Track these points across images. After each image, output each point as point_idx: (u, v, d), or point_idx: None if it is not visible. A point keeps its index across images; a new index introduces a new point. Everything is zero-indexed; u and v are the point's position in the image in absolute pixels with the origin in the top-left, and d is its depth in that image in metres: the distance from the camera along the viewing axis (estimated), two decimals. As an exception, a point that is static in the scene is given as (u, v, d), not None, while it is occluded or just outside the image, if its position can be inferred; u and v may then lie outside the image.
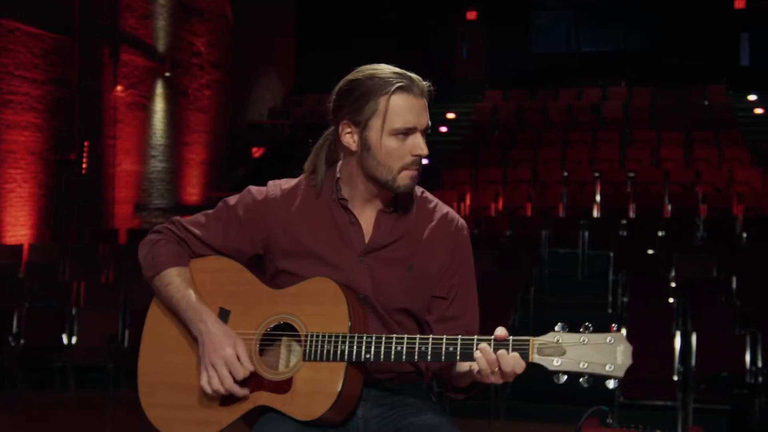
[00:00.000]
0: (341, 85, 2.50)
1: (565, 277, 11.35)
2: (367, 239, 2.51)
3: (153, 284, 2.58)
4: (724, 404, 7.01)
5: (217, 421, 2.45)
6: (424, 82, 2.46)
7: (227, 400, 2.45)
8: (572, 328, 2.25)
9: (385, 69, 2.46)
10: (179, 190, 16.81)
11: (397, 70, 2.46)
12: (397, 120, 2.41)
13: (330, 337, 2.37)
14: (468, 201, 13.55)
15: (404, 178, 2.45)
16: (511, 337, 2.25)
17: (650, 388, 7.04)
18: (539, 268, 10.96)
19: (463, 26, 21.40)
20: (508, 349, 2.23)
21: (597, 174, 13.84)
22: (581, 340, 2.22)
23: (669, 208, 12.58)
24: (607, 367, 2.20)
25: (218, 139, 18.14)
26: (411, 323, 2.54)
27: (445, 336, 2.32)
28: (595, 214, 12.83)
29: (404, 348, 2.33)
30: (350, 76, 2.49)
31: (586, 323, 2.24)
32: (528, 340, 2.23)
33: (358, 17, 20.51)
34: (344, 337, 2.36)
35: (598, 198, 13.18)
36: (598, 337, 2.21)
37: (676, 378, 7.15)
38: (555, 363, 2.21)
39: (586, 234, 11.56)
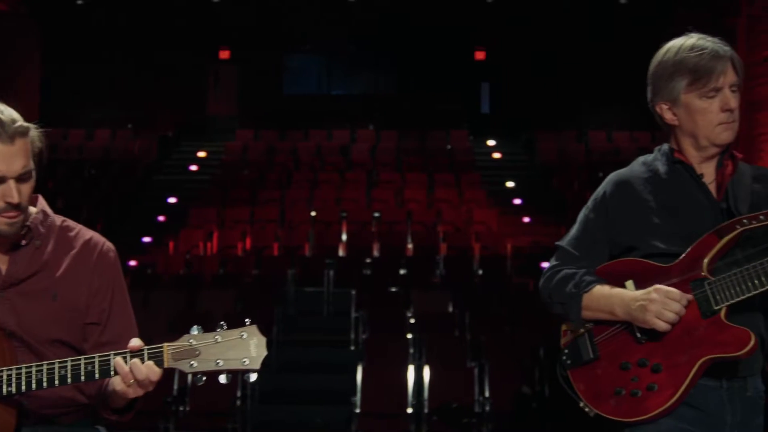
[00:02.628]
0: None
1: (310, 315, 11.43)
2: (3, 274, 2.44)
3: None
4: (455, 434, 7.25)
5: None
6: (22, 124, 2.36)
7: None
8: (209, 329, 2.29)
9: None
10: None
11: None
12: None
13: None
14: (215, 240, 13.40)
15: (1, 225, 2.38)
16: (145, 347, 2.27)
17: (385, 421, 7.18)
18: (284, 307, 10.99)
19: (216, 64, 21.28)
20: (142, 359, 2.26)
21: (344, 214, 14.08)
22: (215, 339, 2.25)
23: (411, 246, 12.99)
24: (243, 362, 2.24)
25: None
26: (70, 354, 2.45)
27: (83, 356, 2.30)
28: (341, 253, 13.03)
29: (44, 375, 2.28)
30: None
31: (221, 323, 2.28)
32: (162, 347, 2.26)
33: (108, 54, 19.92)
34: None
35: (344, 237, 13.40)
36: (231, 333, 2.25)
37: (410, 410, 7.33)
38: (191, 365, 2.24)
39: (332, 273, 11.70)
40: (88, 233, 2.57)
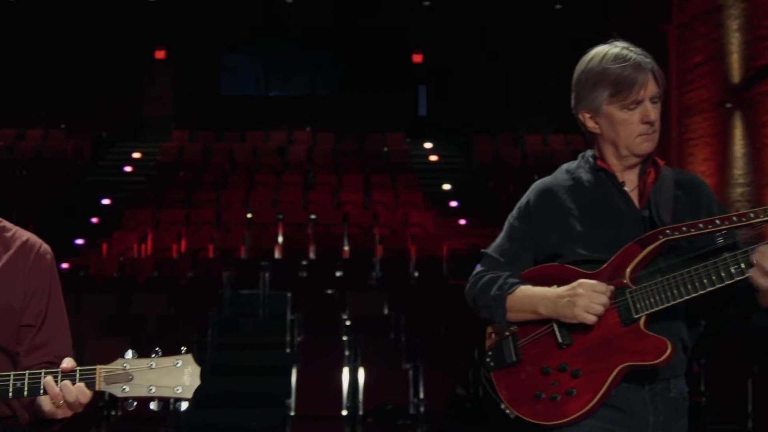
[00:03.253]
0: None
1: (246, 318, 11.39)
2: None
3: None
4: (390, 436, 7.28)
5: None
6: None
7: None
8: (143, 353, 2.28)
9: None
10: None
11: None
12: None
13: None
14: (149, 242, 13.26)
15: None
16: (78, 368, 2.25)
17: (320, 423, 7.17)
18: (220, 309, 10.92)
19: (151, 64, 21.04)
20: (74, 380, 2.24)
21: (280, 216, 14.02)
22: (149, 365, 2.24)
23: (347, 248, 13.00)
24: (175, 390, 2.23)
25: None
26: (2, 357, 2.42)
27: (12, 372, 2.26)
28: (277, 255, 12.99)
29: None
30: None
31: (156, 348, 2.27)
32: (95, 369, 2.25)
33: (41, 52, 19.56)
34: None
35: (280, 239, 13.36)
36: (166, 361, 2.25)
37: (345, 412, 7.33)
38: (123, 390, 2.23)
39: (267, 275, 11.66)
40: (25, 234, 2.53)
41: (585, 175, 2.67)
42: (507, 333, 2.62)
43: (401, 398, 7.43)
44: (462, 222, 14.83)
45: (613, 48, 2.59)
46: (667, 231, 2.47)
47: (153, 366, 2.23)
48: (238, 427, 8.42)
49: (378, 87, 21.06)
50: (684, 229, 2.45)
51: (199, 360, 2.27)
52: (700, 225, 2.44)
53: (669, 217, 2.55)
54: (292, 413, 7.22)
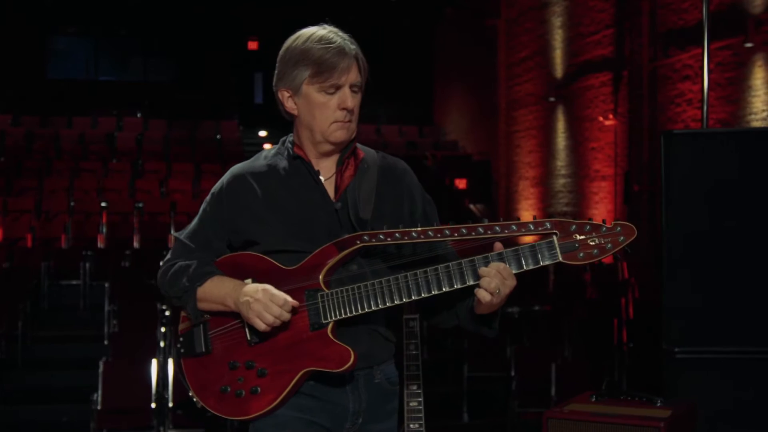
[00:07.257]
0: None
1: (67, 310, 11.11)
2: None
3: None
4: (199, 428, 7.26)
5: None
6: None
7: None
8: None
9: None
10: None
11: None
12: None
13: None
14: (-36, 231, 12.74)
15: None
16: None
17: (127, 417, 7.07)
18: (38, 301, 10.63)
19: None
20: None
21: (104, 204, 13.70)
22: None
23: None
24: None
25: None
26: None
27: None
28: (101, 245, 12.70)
29: None
30: None
31: None
32: None
33: None
34: None
35: (104, 229, 13.07)
36: None
37: (153, 405, 7.25)
38: None
39: (88, 265, 11.41)
40: None
41: (281, 162, 2.61)
42: (199, 322, 2.56)
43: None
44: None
45: (321, 30, 2.55)
46: (365, 237, 2.42)
47: None
48: (49, 423, 8.21)
49: (213, 74, 20.86)
50: (381, 237, 2.40)
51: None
52: (397, 235, 2.39)
53: (369, 213, 2.52)
54: (99, 407, 7.07)
